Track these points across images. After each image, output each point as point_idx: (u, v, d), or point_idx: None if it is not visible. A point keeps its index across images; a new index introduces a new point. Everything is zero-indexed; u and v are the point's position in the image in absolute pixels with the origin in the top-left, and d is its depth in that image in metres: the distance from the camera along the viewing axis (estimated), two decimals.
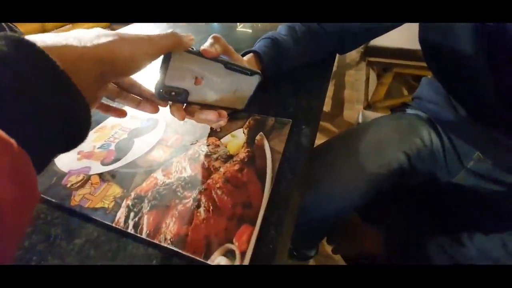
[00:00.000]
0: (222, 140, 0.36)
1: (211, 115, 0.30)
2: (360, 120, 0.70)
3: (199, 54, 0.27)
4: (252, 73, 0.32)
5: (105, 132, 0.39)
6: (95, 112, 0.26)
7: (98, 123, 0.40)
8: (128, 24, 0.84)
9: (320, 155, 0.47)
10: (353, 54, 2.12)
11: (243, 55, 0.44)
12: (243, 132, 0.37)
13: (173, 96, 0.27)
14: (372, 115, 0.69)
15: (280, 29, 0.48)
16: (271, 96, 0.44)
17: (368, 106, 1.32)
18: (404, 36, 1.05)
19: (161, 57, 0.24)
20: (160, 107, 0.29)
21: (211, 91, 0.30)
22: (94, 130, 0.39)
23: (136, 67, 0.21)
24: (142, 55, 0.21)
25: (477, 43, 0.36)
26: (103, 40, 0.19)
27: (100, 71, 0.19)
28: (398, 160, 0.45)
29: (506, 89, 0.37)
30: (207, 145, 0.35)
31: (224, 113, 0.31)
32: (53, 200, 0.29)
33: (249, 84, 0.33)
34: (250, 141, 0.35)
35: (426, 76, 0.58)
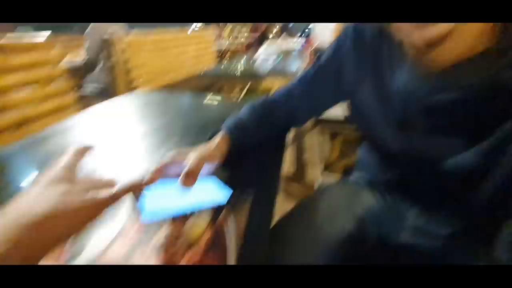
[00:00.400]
0: (185, 224, 0.37)
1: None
2: (316, 186, 0.77)
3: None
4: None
5: None
6: None
7: None
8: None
9: (278, 231, 0.50)
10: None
11: (211, 136, 0.49)
12: (206, 214, 0.39)
13: None
14: (328, 180, 0.77)
15: (243, 110, 0.57)
16: (232, 173, 0.48)
17: (327, 167, 1.46)
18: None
19: None
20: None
21: None
22: None
23: (84, 228, 0.21)
24: (88, 221, 0.21)
25: (395, 131, 0.45)
26: (43, 210, 0.19)
27: (52, 235, 0.19)
28: (348, 227, 0.49)
29: (417, 157, 0.45)
30: (170, 231, 0.36)
31: None
32: None
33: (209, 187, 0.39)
34: (212, 222, 0.37)
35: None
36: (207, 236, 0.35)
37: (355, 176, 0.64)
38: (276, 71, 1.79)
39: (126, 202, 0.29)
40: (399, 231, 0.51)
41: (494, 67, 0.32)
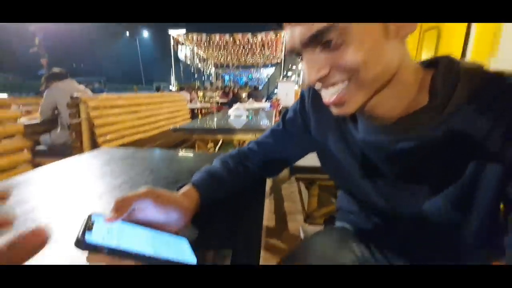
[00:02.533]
0: None
1: None
2: (301, 236, 0.72)
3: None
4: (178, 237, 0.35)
5: None
6: None
7: None
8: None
9: None
10: (284, 171, 2.42)
11: (180, 188, 0.45)
12: None
13: None
14: (310, 229, 0.72)
15: (215, 162, 0.54)
16: (209, 228, 0.42)
17: (307, 216, 1.40)
18: None
19: None
20: None
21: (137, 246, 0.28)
22: None
23: None
24: None
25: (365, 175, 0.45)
26: None
27: None
28: None
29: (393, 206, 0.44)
30: None
31: None
32: None
33: (179, 246, 0.33)
34: None
35: None
36: None
37: (339, 224, 0.61)
38: (248, 126, 1.87)
39: None
40: None
41: (434, 122, 0.34)
